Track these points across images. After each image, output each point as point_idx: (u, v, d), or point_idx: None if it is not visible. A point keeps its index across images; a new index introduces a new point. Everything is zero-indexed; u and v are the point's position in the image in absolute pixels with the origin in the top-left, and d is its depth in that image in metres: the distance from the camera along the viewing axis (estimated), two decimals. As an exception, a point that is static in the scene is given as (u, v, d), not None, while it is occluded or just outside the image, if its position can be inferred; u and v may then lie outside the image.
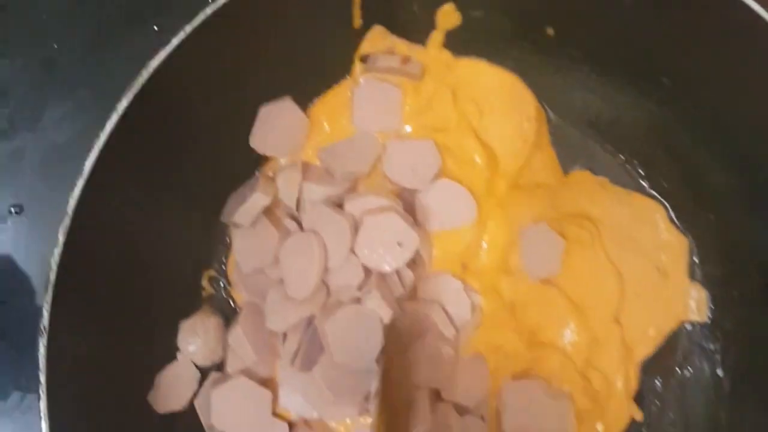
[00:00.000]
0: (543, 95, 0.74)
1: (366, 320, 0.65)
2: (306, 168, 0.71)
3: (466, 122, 0.72)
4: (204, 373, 0.71)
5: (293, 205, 0.69)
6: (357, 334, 0.65)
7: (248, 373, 0.70)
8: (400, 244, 0.66)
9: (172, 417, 0.69)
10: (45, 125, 0.80)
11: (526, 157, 0.73)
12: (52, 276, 0.57)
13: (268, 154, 0.72)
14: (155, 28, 0.81)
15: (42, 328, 0.57)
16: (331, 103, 0.72)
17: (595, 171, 0.75)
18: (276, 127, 0.70)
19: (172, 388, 0.69)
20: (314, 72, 0.72)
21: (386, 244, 0.66)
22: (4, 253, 0.78)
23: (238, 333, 0.69)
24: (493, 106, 0.72)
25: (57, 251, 0.57)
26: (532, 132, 0.73)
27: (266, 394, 0.69)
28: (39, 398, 0.57)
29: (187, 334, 0.70)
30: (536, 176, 0.73)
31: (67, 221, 0.58)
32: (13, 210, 0.79)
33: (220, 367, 0.72)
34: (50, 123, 0.80)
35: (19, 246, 0.79)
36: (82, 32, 0.82)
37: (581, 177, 0.74)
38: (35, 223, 0.79)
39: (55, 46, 0.82)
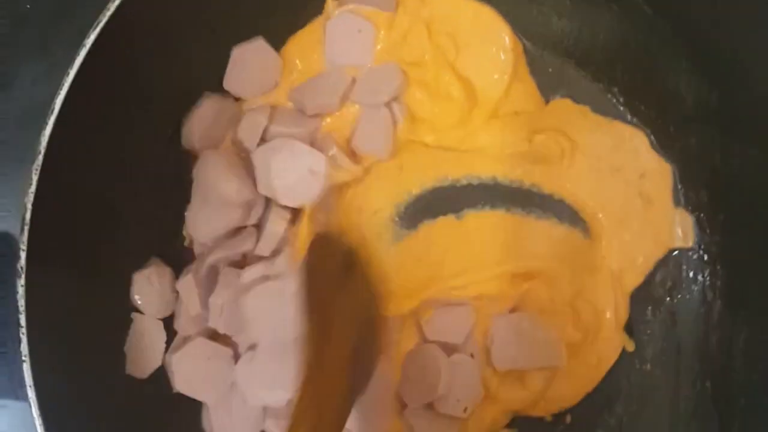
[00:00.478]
0: (519, 25, 0.73)
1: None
2: (274, 111, 0.70)
3: (442, 56, 0.71)
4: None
5: (252, 148, 0.69)
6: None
7: (206, 333, 0.69)
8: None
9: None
10: (19, 84, 0.79)
11: (505, 89, 0.72)
12: (27, 215, 0.57)
13: (242, 96, 0.71)
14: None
15: (19, 268, 0.57)
16: (304, 41, 0.72)
17: (575, 100, 0.74)
18: (249, 68, 0.69)
19: (142, 350, 0.68)
20: (287, 10, 0.71)
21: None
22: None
23: (187, 280, 0.67)
24: (468, 39, 0.72)
25: (31, 190, 0.57)
26: (509, 63, 0.72)
27: (226, 351, 0.68)
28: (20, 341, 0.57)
29: (142, 285, 0.68)
30: (515, 106, 0.73)
31: (39, 159, 0.57)
32: (-7, 173, 0.78)
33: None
34: (25, 82, 0.79)
35: (2, 209, 0.78)
36: (54, -8, 0.80)
37: (561, 105, 0.73)
38: (16, 185, 0.78)
39: (28, 6, 0.81)
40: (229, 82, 0.70)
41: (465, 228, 0.72)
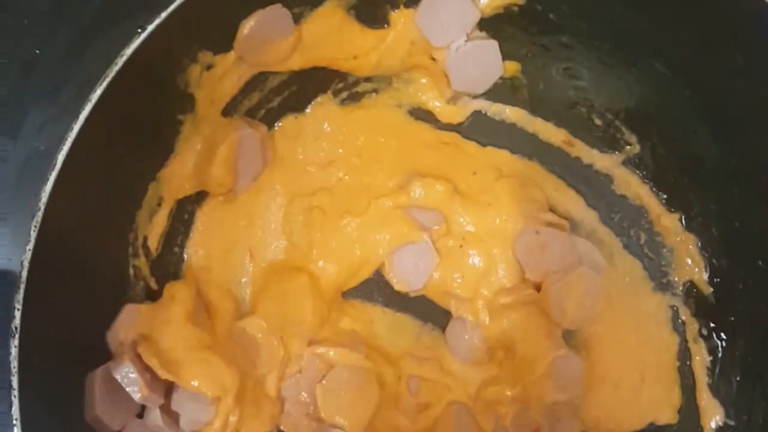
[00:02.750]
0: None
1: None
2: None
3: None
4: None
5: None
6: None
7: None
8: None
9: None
10: (26, 132, 0.78)
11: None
12: (24, 273, 0.55)
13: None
14: (138, 30, 0.79)
15: (13, 328, 0.54)
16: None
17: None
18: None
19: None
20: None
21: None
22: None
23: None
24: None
25: (29, 247, 0.55)
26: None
27: None
28: (11, 404, 0.54)
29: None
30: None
31: (39, 216, 0.55)
32: (-5, 221, 0.76)
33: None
34: (32, 129, 0.78)
35: (2, 257, 0.76)
36: (64, 35, 0.79)
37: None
38: (17, 233, 0.76)
39: (37, 51, 0.80)
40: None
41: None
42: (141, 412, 0.66)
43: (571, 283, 0.71)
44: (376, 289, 0.78)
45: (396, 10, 0.72)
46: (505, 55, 0.75)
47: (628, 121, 0.75)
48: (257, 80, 0.72)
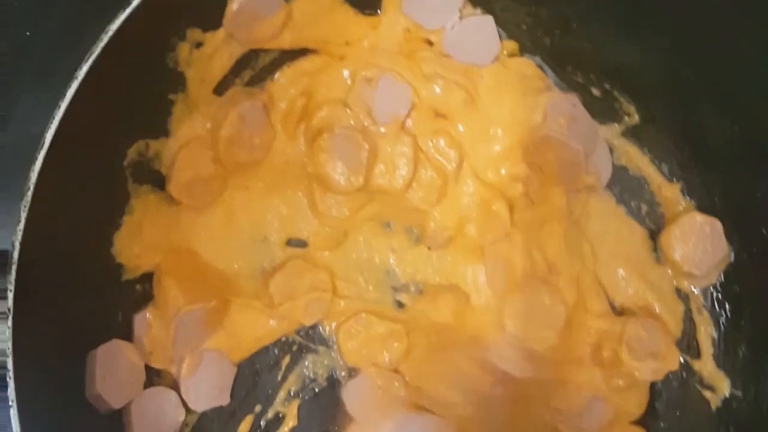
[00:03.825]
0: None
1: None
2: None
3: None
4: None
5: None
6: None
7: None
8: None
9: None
10: (19, 115, 0.78)
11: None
12: (15, 254, 0.54)
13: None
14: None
15: (7, 309, 0.54)
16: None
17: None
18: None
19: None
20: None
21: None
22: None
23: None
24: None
25: (19, 227, 0.55)
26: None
27: None
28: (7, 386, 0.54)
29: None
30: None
31: (29, 195, 0.55)
32: (-11, 207, 0.76)
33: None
34: (24, 113, 0.78)
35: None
36: (56, 17, 0.79)
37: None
38: (12, 217, 0.76)
39: (28, 33, 0.79)
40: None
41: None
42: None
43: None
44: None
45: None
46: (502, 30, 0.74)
47: (626, 91, 0.74)
48: (248, 58, 0.71)
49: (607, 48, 0.72)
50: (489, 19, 0.73)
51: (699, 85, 0.69)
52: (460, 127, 0.73)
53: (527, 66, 0.75)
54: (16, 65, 0.78)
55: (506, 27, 0.75)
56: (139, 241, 0.68)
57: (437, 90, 0.72)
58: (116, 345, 0.64)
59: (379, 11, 0.72)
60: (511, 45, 0.75)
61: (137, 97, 0.63)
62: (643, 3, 0.67)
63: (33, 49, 0.78)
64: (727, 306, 0.72)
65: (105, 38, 0.55)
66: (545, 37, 0.75)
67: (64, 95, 0.55)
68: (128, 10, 0.56)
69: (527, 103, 0.72)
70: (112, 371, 0.63)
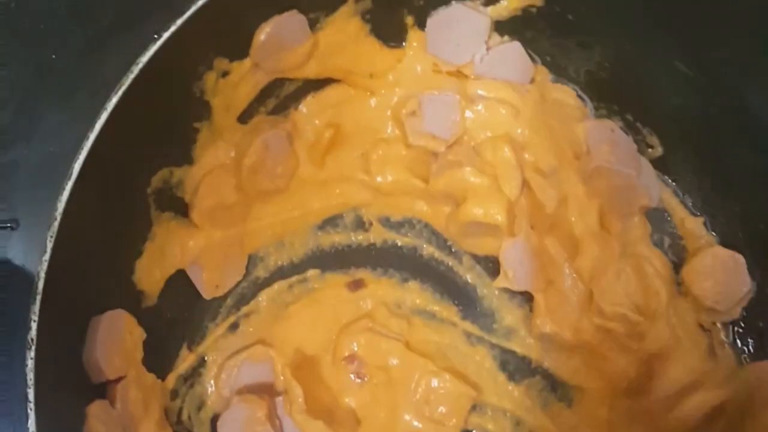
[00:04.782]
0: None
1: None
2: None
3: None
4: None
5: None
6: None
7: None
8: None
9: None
10: (41, 135, 0.78)
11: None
12: (40, 285, 0.54)
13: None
14: (155, 36, 0.78)
15: (29, 340, 0.54)
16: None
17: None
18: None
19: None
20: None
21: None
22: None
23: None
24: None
25: (45, 258, 0.54)
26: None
27: None
28: (27, 417, 0.54)
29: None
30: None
31: (55, 226, 0.55)
32: (9, 226, 0.76)
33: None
34: (46, 132, 0.78)
35: (16, 263, 0.75)
36: (79, 39, 0.79)
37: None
38: (30, 238, 0.76)
39: (53, 57, 0.79)
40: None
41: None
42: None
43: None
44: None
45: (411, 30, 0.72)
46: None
47: (650, 123, 0.74)
48: (273, 86, 0.71)
49: (629, 79, 0.72)
50: (517, 46, 0.73)
51: (723, 117, 0.68)
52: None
53: (566, 93, 0.75)
54: (40, 86, 0.78)
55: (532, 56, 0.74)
56: (160, 266, 0.68)
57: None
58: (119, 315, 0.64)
59: (404, 43, 0.73)
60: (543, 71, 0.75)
61: (163, 125, 0.64)
62: (666, 37, 0.67)
63: (57, 70, 0.79)
64: (750, 341, 0.71)
65: (135, 70, 0.55)
66: (569, 66, 0.74)
67: (93, 126, 0.55)
68: (159, 42, 0.56)
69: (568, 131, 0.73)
70: (114, 339, 0.62)
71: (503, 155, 0.71)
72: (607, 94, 0.74)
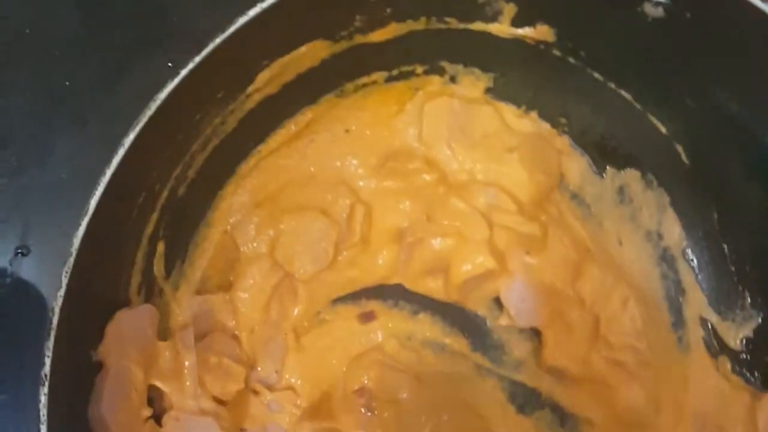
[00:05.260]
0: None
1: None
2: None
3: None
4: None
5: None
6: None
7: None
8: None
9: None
10: (53, 161, 0.78)
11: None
12: (54, 320, 0.54)
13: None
14: (169, 64, 0.78)
15: (43, 376, 0.54)
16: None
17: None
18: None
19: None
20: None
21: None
22: (10, 299, 0.74)
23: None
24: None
25: (60, 293, 0.54)
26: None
27: None
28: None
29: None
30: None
31: (70, 261, 0.55)
32: (20, 252, 0.76)
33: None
34: (59, 159, 0.78)
35: (28, 291, 0.75)
36: (93, 67, 0.80)
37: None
38: (42, 265, 0.76)
39: (67, 83, 0.80)
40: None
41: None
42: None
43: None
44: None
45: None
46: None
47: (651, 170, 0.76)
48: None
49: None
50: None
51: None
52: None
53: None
54: (54, 112, 0.79)
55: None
56: (172, 298, 0.68)
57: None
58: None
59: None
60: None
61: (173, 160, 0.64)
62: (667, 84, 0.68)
63: (70, 97, 0.79)
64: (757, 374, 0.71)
65: (153, 107, 0.55)
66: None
67: (110, 163, 0.55)
68: (176, 80, 0.56)
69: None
70: (120, 395, 0.61)
71: (456, 208, 0.73)
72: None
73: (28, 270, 0.75)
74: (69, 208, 0.74)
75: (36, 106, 0.79)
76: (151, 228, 0.65)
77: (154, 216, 0.65)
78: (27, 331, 0.71)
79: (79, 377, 0.57)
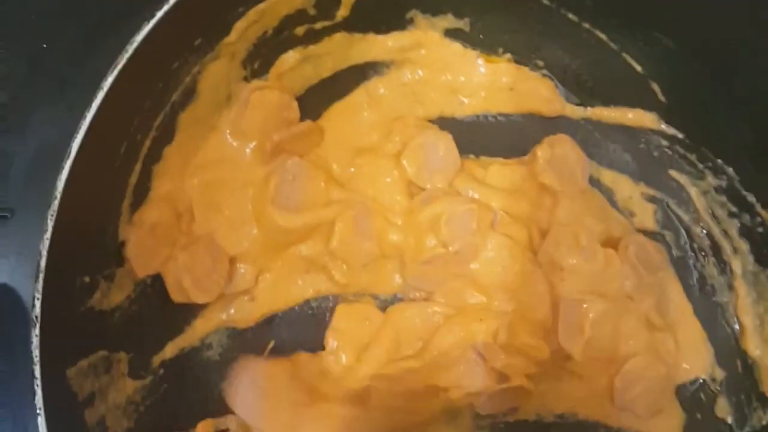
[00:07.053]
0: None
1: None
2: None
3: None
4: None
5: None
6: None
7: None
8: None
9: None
10: (34, 126, 0.78)
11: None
12: (43, 262, 0.55)
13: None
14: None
15: (34, 317, 0.54)
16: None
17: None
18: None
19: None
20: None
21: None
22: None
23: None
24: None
25: (46, 236, 0.55)
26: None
27: None
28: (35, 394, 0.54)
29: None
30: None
31: (55, 204, 0.55)
32: (4, 215, 0.76)
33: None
34: (40, 124, 0.78)
35: (9, 254, 0.75)
36: (72, 30, 0.79)
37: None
38: (25, 226, 0.76)
39: (44, 46, 0.80)
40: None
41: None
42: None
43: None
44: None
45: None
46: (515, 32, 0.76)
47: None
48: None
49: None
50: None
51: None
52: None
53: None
54: (32, 77, 0.79)
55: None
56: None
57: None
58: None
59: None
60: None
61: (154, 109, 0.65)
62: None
63: (48, 61, 0.79)
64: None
65: (130, 49, 0.56)
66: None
67: (89, 105, 0.56)
68: (152, 22, 0.56)
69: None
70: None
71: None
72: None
73: (11, 232, 0.75)
74: (52, 170, 0.75)
75: (16, 71, 0.79)
76: (135, 179, 0.65)
77: (137, 167, 0.65)
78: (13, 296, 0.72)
79: (70, 321, 0.57)
